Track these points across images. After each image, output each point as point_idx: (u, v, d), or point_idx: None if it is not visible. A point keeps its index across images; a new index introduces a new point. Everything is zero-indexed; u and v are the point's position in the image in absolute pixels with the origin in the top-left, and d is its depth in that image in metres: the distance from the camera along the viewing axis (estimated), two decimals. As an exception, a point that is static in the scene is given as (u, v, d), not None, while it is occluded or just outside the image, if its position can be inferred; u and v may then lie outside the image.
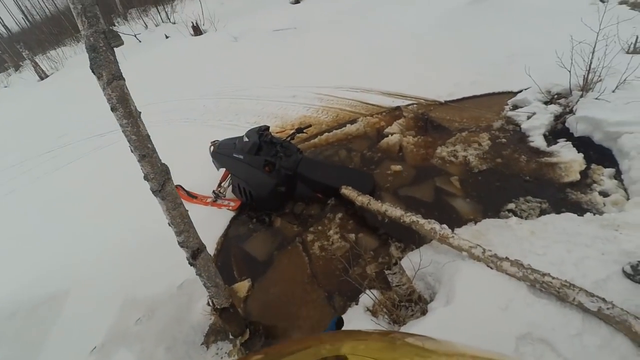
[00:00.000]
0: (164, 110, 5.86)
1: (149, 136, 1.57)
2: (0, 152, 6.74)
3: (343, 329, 1.17)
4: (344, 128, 4.07)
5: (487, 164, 3.07)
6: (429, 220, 2.27)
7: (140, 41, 11.19)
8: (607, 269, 1.82)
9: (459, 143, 3.37)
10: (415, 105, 4.19)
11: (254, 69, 6.51)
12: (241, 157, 3.14)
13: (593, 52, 3.13)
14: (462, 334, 1.61)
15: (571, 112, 3.24)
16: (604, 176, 2.65)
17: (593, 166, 2.76)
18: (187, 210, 1.81)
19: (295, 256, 2.77)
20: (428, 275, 2.12)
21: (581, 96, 3.26)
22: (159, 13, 12.47)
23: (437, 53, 5.04)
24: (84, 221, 3.79)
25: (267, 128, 3.28)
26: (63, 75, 11.22)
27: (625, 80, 3.09)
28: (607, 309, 1.58)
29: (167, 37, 10.52)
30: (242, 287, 2.64)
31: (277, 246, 2.91)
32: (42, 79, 11.55)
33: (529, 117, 3.40)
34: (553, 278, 1.74)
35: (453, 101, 4.07)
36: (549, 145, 3.08)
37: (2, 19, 19.11)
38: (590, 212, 2.32)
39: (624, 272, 1.79)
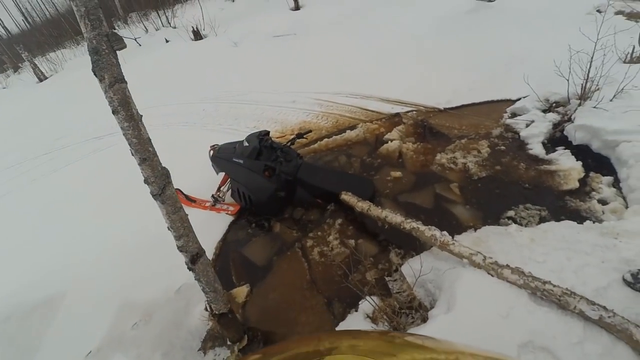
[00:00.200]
0: (164, 114, 5.86)
1: (150, 139, 1.56)
2: (-3, 153, 6.69)
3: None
4: (343, 134, 4.07)
5: (487, 171, 3.08)
6: (430, 227, 2.27)
7: (140, 45, 11.20)
8: (608, 277, 1.83)
9: (458, 150, 3.38)
10: (414, 112, 4.21)
11: (253, 74, 6.54)
12: (241, 161, 3.13)
13: (591, 62, 3.17)
14: (463, 341, 1.59)
15: (569, 120, 3.26)
16: (602, 184, 2.67)
17: (592, 174, 2.77)
18: (187, 215, 1.79)
19: (295, 262, 2.75)
20: (428, 282, 2.11)
21: (579, 105, 3.29)
22: (159, 17, 12.49)
23: (436, 58, 5.09)
24: (81, 223, 3.75)
25: (268, 133, 3.28)
26: (62, 77, 11.19)
27: (622, 89, 3.13)
28: (608, 317, 1.57)
29: (167, 41, 10.54)
30: (241, 292, 2.61)
31: (276, 251, 2.89)
32: (41, 80, 11.51)
33: (527, 125, 3.43)
34: (554, 286, 1.73)
35: (452, 108, 4.10)
36: (547, 153, 3.11)
37: (1, 21, 19.12)
38: (590, 220, 2.33)
39: (624, 280, 1.79)
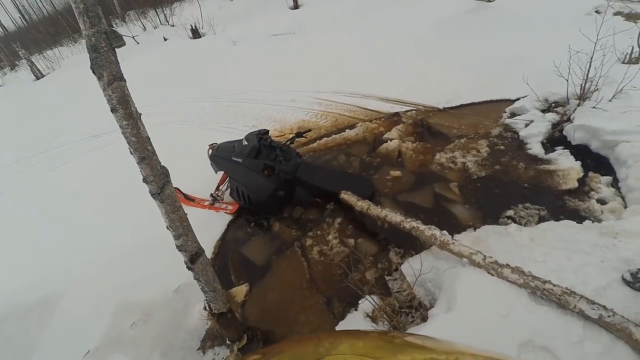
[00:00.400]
0: (162, 112, 5.83)
1: (148, 138, 1.55)
2: (-6, 152, 6.64)
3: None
4: (343, 133, 4.07)
5: (486, 170, 3.08)
6: (430, 226, 2.27)
7: (138, 43, 11.14)
8: (607, 277, 1.83)
9: (457, 149, 3.38)
10: (414, 112, 4.21)
11: (252, 73, 6.52)
12: (240, 160, 3.12)
13: (590, 62, 3.17)
14: (463, 341, 1.58)
15: (569, 120, 3.27)
16: (601, 184, 2.67)
17: (590, 174, 2.78)
18: (186, 214, 1.78)
19: (294, 261, 2.75)
20: (428, 281, 2.11)
21: (578, 105, 3.29)
22: (158, 15, 12.43)
23: (436, 58, 5.09)
24: (80, 222, 3.73)
25: (267, 132, 3.27)
26: (59, 75, 11.12)
27: (621, 89, 3.14)
28: (608, 316, 1.58)
29: (165, 39, 10.50)
30: (240, 291, 2.61)
31: (275, 251, 2.88)
32: (38, 78, 11.44)
33: (526, 125, 3.43)
34: (554, 285, 1.74)
35: (451, 108, 4.10)
36: (546, 152, 3.11)
37: (-1, 18, 18.99)
38: (589, 220, 2.33)
39: (624, 279, 1.79)
